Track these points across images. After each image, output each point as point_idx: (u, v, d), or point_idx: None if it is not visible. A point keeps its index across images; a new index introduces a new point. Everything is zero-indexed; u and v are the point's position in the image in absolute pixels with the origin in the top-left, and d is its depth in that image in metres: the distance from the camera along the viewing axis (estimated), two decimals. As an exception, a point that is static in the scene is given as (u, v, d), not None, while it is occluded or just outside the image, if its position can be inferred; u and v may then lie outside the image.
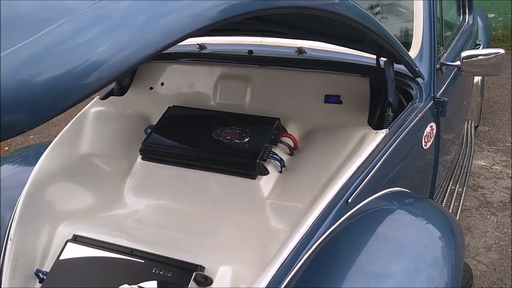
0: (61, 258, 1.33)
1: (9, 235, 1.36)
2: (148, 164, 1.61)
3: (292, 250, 1.17)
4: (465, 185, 2.62)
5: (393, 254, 1.26)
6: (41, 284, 1.30)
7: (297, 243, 1.17)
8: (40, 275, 1.32)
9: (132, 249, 1.31)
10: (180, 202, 1.54)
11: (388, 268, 1.22)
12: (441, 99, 1.77)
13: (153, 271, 1.25)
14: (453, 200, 2.44)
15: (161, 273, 1.25)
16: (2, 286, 1.30)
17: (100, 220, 1.50)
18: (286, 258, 1.16)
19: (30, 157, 1.78)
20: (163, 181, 1.59)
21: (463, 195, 2.54)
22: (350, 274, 1.18)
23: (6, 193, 1.59)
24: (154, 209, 1.55)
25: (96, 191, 1.60)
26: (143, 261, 1.29)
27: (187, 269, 1.24)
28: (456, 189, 2.51)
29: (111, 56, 0.69)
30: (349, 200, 1.26)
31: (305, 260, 1.18)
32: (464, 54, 1.80)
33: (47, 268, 1.35)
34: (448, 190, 2.42)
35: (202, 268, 1.25)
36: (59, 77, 0.66)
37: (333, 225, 1.23)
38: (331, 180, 1.29)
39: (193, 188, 1.54)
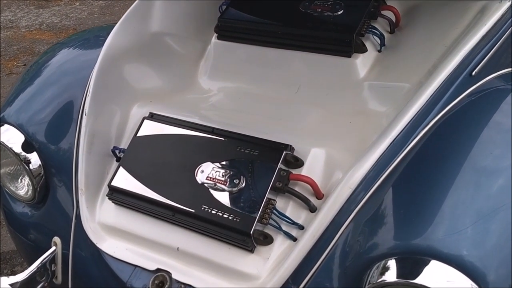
0: (138, 134, 1.24)
1: (84, 110, 1.28)
2: (225, 43, 1.45)
3: (403, 130, 1.00)
4: None
5: (508, 145, 1.06)
6: (118, 162, 1.23)
7: (409, 121, 1.00)
8: (117, 152, 1.24)
9: (213, 128, 1.20)
10: (261, 86, 1.39)
11: (501, 162, 1.03)
12: None
13: (238, 149, 1.14)
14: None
15: (246, 151, 1.12)
16: (79, 163, 1.24)
17: (174, 102, 1.39)
18: (395, 139, 1.00)
19: (91, 40, 1.66)
20: (241, 62, 1.43)
21: None
22: (462, 170, 0.99)
23: (75, 75, 1.49)
24: (231, 93, 1.42)
25: (169, 72, 1.47)
26: (225, 139, 1.17)
27: (276, 149, 1.10)
28: None
29: None
30: (473, 73, 1.06)
31: (416, 143, 1.02)
32: None
33: (123, 146, 1.27)
34: None
35: (292, 148, 1.11)
36: None
37: (452, 101, 1.04)
38: (449, 52, 1.08)
39: (276, 69, 1.38)
